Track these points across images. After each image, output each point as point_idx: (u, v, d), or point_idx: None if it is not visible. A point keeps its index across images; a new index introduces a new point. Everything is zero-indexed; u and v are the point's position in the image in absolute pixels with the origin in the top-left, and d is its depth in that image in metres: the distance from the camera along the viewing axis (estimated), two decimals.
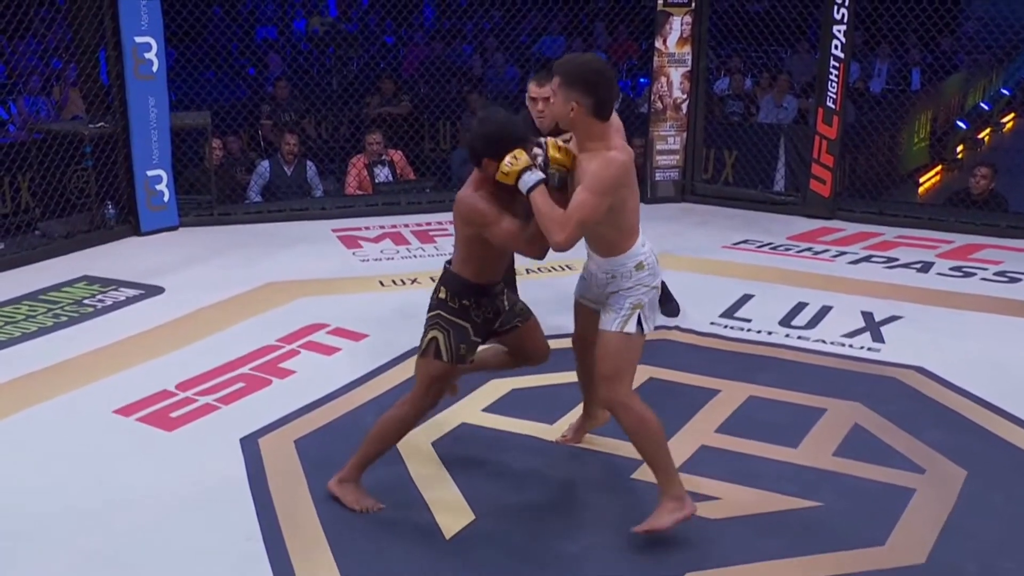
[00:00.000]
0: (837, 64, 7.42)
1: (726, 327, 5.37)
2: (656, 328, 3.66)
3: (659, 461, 3.34)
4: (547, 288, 5.47)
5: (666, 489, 3.33)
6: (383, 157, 8.31)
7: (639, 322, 3.32)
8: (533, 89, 4.48)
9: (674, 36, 8.02)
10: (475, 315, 3.49)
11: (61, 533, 3.41)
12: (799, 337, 5.26)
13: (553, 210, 3.14)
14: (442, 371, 3.48)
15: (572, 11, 11.41)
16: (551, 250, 3.27)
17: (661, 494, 3.34)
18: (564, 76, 3.20)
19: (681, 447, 3.98)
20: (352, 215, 7.76)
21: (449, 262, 3.54)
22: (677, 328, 5.31)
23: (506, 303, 3.61)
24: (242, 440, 4.06)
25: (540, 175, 3.20)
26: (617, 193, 3.19)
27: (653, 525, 3.30)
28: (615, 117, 3.32)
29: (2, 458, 3.95)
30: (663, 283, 4.71)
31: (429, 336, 3.49)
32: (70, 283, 6.14)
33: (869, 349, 5.09)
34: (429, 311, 3.52)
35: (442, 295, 3.49)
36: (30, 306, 5.72)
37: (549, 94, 4.25)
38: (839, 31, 7.38)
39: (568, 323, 3.76)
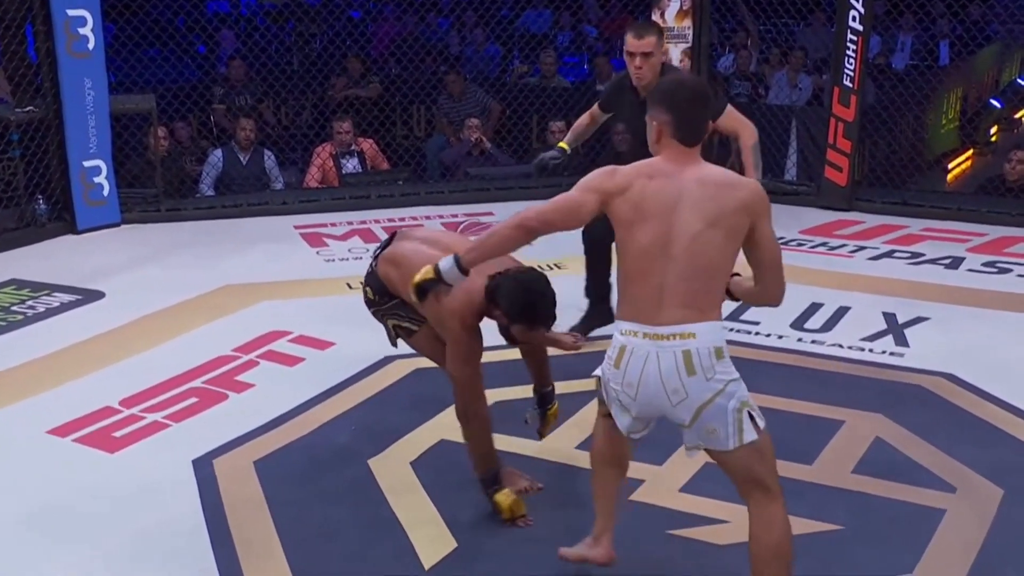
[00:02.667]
0: (855, 38, 7.46)
1: (732, 331, 5.38)
2: None
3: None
4: None
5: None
6: (352, 147, 8.32)
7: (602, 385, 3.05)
8: (631, 42, 4.60)
9: (673, 8, 8.05)
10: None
11: None
12: (813, 341, 5.30)
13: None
14: (431, 331, 3.81)
15: None
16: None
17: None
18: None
19: (683, 465, 4.00)
20: (316, 210, 7.77)
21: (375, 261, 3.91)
22: None
23: None
24: (195, 462, 4.06)
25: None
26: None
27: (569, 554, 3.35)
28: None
29: None
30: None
31: (389, 327, 3.95)
32: None
33: (892, 354, 5.12)
34: (368, 307, 3.99)
35: (370, 296, 3.95)
36: None
37: (649, 48, 4.38)
38: (857, 1, 7.42)
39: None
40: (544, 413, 4.08)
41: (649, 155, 4.59)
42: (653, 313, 2.81)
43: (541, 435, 4.10)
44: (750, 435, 2.87)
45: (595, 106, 5.23)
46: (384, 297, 3.91)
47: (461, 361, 3.60)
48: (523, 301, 3.50)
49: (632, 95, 4.84)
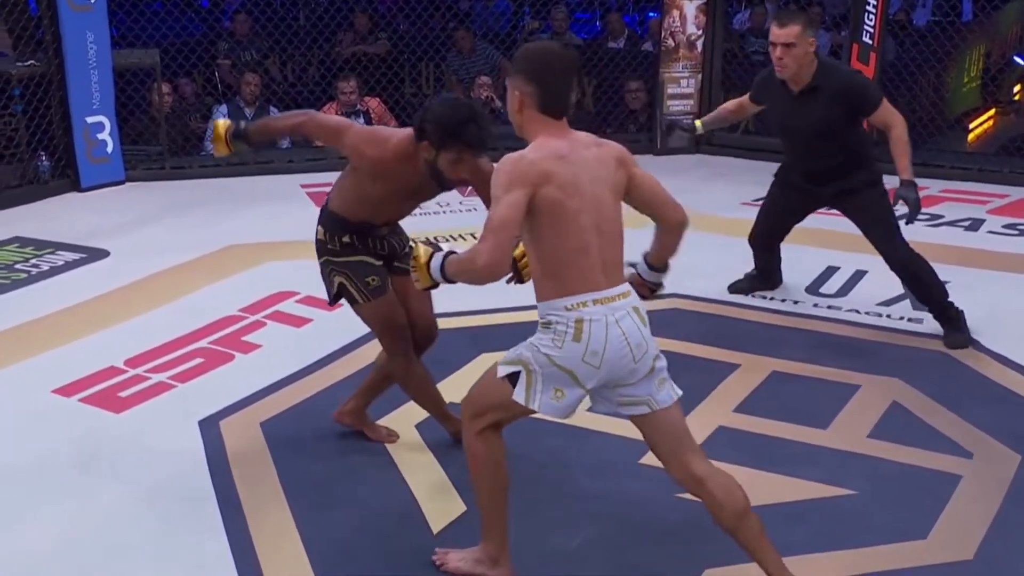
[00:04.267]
0: None
1: (748, 296, 5.40)
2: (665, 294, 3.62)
3: (486, 509, 3.14)
4: None
5: (483, 539, 3.17)
6: (358, 107, 8.29)
7: (521, 382, 2.95)
8: (772, 31, 4.49)
9: None
10: (362, 248, 3.66)
11: None
12: (829, 306, 5.30)
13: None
14: (378, 309, 3.64)
15: None
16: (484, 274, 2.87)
17: (481, 539, 3.18)
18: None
19: (697, 427, 3.99)
20: (323, 169, 7.77)
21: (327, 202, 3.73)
22: (687, 296, 5.34)
23: (397, 243, 3.75)
24: (201, 423, 4.09)
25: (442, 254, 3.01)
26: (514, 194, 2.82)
27: (451, 563, 3.20)
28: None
29: None
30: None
31: (335, 284, 3.67)
32: None
33: (910, 320, 5.12)
34: (318, 256, 3.71)
35: (320, 236, 3.68)
36: None
37: (791, 38, 4.29)
38: None
39: None
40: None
41: (811, 155, 4.61)
42: (596, 282, 2.88)
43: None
44: (676, 387, 3.01)
45: (746, 96, 5.06)
46: (334, 238, 3.65)
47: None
48: (450, 117, 3.30)
49: (783, 89, 4.68)
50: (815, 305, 5.31)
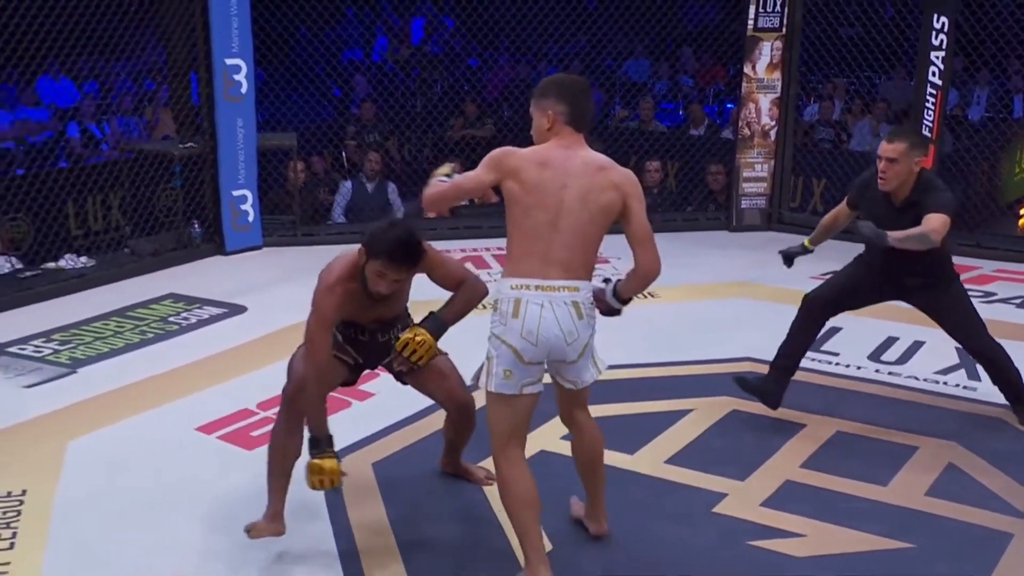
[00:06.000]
0: (934, 91, 7.29)
1: (812, 360, 5.28)
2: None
3: (518, 527, 3.19)
4: None
5: (526, 560, 3.20)
6: None
7: (484, 370, 3.16)
8: (881, 145, 4.24)
9: (763, 62, 7.97)
10: (340, 342, 3.67)
11: (144, 558, 3.50)
12: (890, 373, 5.16)
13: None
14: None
15: (658, 35, 11.40)
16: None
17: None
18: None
19: (765, 482, 3.94)
20: (434, 238, 7.82)
21: None
22: (759, 360, 5.24)
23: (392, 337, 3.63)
24: None
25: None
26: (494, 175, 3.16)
27: None
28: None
29: (89, 469, 4.07)
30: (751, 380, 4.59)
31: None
32: (157, 300, 6.32)
33: (964, 387, 4.96)
34: None
35: None
36: (118, 322, 5.89)
37: (894, 154, 4.09)
38: (937, 57, 7.25)
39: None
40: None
41: (900, 261, 4.23)
42: (540, 272, 3.07)
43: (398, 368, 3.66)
44: (599, 368, 3.27)
45: (843, 203, 4.59)
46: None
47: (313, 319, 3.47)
48: (385, 234, 3.34)
49: (886, 200, 4.29)
50: (876, 371, 5.18)
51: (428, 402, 4.63)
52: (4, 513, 3.71)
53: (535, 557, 3.15)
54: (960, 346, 4.64)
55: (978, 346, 4.50)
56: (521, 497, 3.15)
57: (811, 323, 4.58)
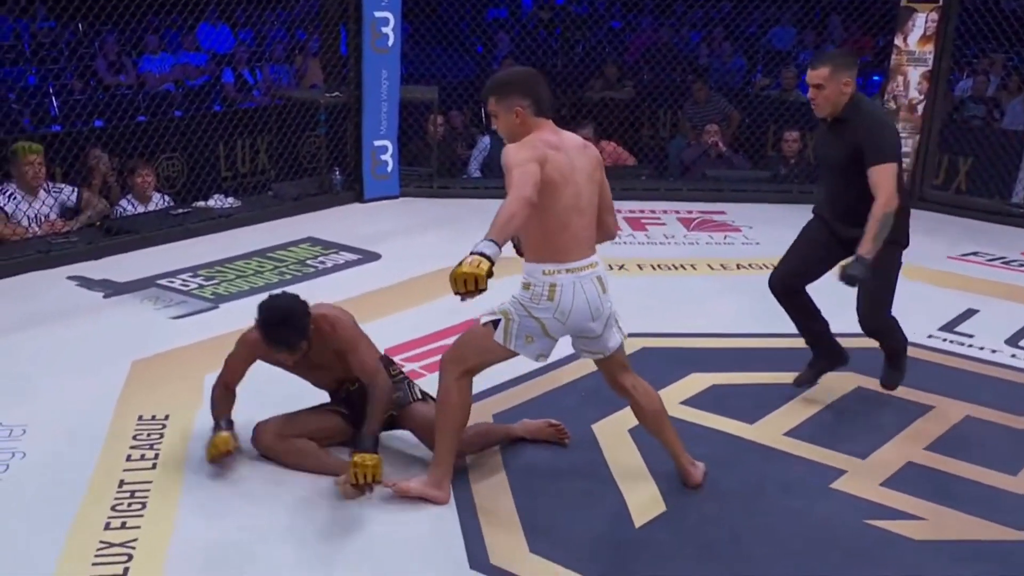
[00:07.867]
0: None
1: (945, 340, 5.10)
2: None
3: (443, 443, 3.41)
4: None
5: (433, 466, 3.45)
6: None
7: (501, 327, 3.30)
8: (808, 73, 4.11)
9: (916, 33, 7.63)
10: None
11: (274, 487, 3.63)
12: None
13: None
14: None
15: (807, 2, 11.05)
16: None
17: (430, 466, 3.47)
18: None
19: (887, 461, 3.83)
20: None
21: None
22: None
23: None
24: None
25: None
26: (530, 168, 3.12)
27: (402, 486, 3.43)
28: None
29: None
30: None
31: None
32: (296, 243, 6.50)
33: None
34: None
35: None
36: (259, 262, 6.09)
37: (820, 80, 3.99)
38: None
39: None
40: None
41: (837, 190, 4.08)
42: (570, 254, 3.22)
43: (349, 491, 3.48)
44: (623, 332, 3.44)
45: None
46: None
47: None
48: (262, 305, 3.53)
49: (825, 128, 4.15)
50: (1013, 356, 4.95)
51: (551, 359, 4.65)
52: (148, 435, 3.90)
53: (445, 471, 3.43)
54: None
55: (872, 326, 4.21)
56: (462, 422, 3.41)
57: (789, 306, 4.30)
